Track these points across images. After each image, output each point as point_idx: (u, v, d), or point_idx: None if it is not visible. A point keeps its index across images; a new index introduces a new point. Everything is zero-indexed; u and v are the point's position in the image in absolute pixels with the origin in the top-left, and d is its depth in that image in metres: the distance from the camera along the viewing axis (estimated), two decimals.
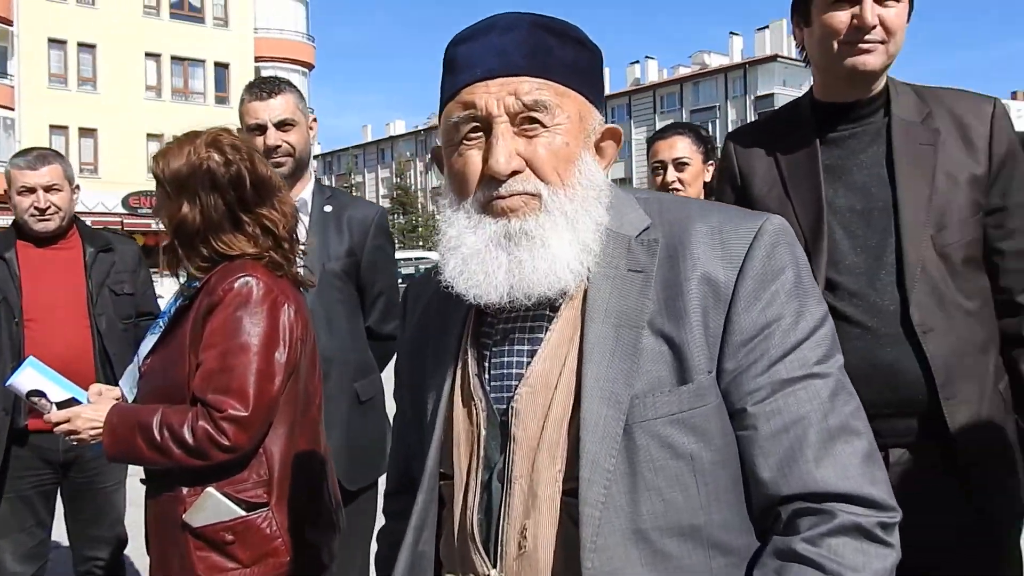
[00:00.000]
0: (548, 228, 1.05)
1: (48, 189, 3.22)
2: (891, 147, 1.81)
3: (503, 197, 1.06)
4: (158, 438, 1.85)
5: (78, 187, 3.41)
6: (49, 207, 3.22)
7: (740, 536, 1.05)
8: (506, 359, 1.12)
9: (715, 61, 64.84)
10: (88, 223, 3.61)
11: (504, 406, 1.10)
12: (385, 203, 62.29)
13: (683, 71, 66.01)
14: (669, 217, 1.12)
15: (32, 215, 3.20)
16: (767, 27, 62.55)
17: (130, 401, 2.11)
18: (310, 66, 40.50)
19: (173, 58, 35.42)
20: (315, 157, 59.04)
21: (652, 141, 3.38)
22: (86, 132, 33.65)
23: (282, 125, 2.73)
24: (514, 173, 1.05)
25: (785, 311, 1.04)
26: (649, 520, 1.01)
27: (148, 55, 34.85)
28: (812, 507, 0.99)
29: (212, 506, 1.90)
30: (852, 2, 1.77)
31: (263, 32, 38.09)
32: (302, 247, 2.19)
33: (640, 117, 61.32)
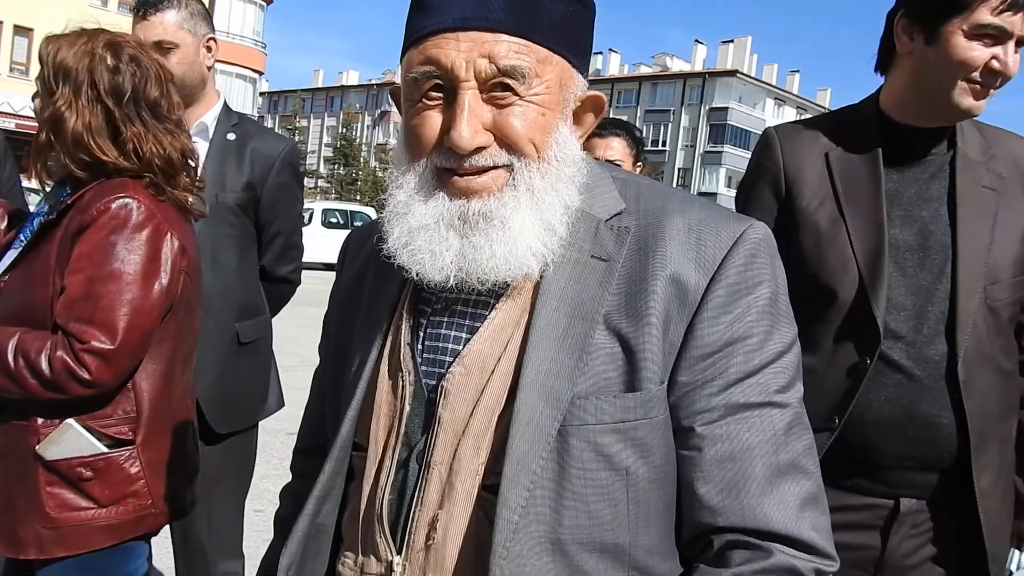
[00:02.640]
0: (510, 207, 0.94)
1: None
2: (954, 185, 1.66)
3: (466, 173, 0.94)
4: (11, 365, 1.67)
5: None
6: None
7: (664, 561, 0.97)
8: (443, 332, 1.02)
9: (677, 65, 65.04)
10: (12, 126, 3.15)
11: (434, 383, 1.00)
12: (328, 152, 61.17)
13: (644, 70, 66.28)
14: (646, 205, 1.01)
15: None
16: (732, 41, 62.74)
17: None
18: None
19: None
20: (261, 94, 57.69)
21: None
22: (21, 30, 31.77)
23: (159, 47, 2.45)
24: (479, 149, 0.93)
25: (754, 330, 0.95)
26: (570, 532, 0.93)
27: None
28: (748, 541, 0.92)
29: (71, 439, 1.73)
30: (996, 40, 1.56)
31: None
32: (199, 181, 1.98)
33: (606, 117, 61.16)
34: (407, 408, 1.01)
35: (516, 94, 0.92)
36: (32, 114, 1.95)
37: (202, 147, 2.57)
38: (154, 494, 1.82)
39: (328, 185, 55.33)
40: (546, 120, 0.95)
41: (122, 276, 1.71)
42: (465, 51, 0.91)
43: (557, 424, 0.92)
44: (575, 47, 0.98)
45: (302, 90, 76.54)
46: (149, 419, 1.81)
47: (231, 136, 2.64)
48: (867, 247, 1.64)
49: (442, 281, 0.96)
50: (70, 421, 1.73)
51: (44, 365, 1.66)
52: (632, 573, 0.95)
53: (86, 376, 1.67)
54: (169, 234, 1.79)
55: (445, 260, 0.95)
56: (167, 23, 2.48)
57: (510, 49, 0.91)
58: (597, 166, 1.07)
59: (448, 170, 0.95)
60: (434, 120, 0.94)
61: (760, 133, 1.94)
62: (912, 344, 1.62)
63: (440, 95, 0.94)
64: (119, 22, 2.04)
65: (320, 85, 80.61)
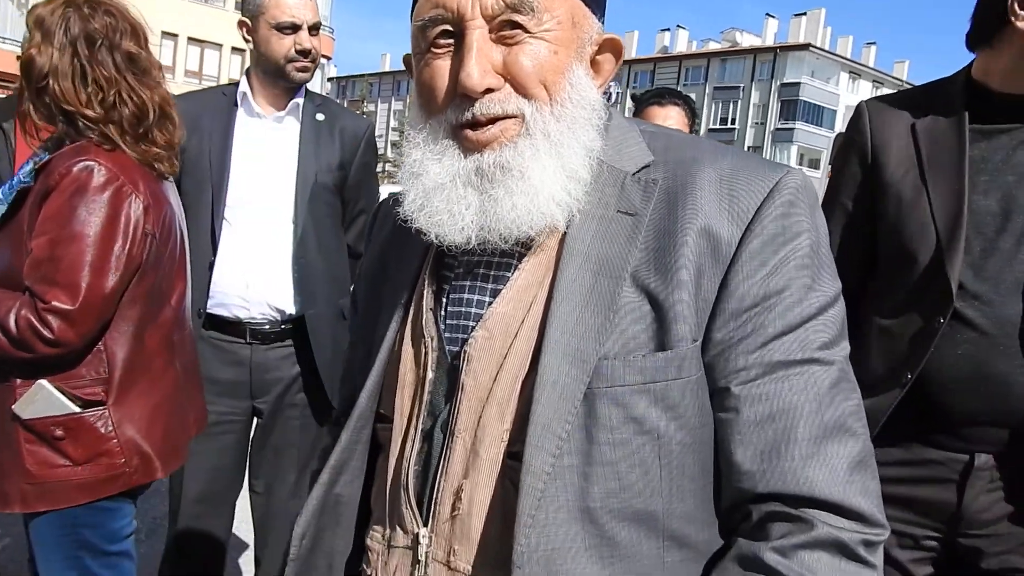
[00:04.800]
0: (528, 156, 0.89)
1: None
2: None
3: (478, 124, 0.90)
4: None
5: None
6: None
7: (702, 530, 0.92)
8: (466, 296, 0.98)
9: (747, 40, 63.49)
10: None
11: (457, 349, 0.96)
12: (394, 135, 61.79)
13: (713, 46, 64.85)
14: (675, 156, 0.96)
15: None
16: (804, 14, 61.01)
17: None
18: None
19: None
20: (330, 80, 58.42)
21: (645, 103, 3.12)
22: (168, 35, 32.80)
23: (313, 28, 2.54)
24: (489, 91, 0.88)
25: (793, 283, 0.89)
26: (600, 499, 0.88)
27: None
28: (789, 512, 0.86)
29: (43, 399, 1.81)
30: None
31: None
32: (175, 140, 2.00)
33: (663, 86, 60.28)
34: (430, 376, 0.98)
35: (526, 31, 0.89)
36: None
37: (294, 127, 2.64)
38: (127, 453, 1.87)
39: (395, 169, 56.09)
40: (559, 59, 0.91)
41: (83, 238, 1.75)
42: None
43: (583, 386, 0.88)
44: None
45: (369, 75, 77.32)
46: (121, 380, 1.86)
47: (320, 116, 2.66)
48: (947, 213, 1.67)
49: (463, 242, 0.92)
50: (42, 381, 1.81)
51: (12, 323, 1.73)
52: (667, 542, 0.90)
53: (49, 335, 1.73)
54: (132, 196, 1.82)
55: (465, 219, 0.91)
56: (317, 4, 2.60)
57: None
58: (624, 119, 1.02)
59: (461, 126, 0.91)
60: (443, 69, 0.91)
61: (833, 108, 1.91)
62: (989, 304, 1.65)
63: (449, 42, 0.91)
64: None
65: (387, 69, 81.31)
